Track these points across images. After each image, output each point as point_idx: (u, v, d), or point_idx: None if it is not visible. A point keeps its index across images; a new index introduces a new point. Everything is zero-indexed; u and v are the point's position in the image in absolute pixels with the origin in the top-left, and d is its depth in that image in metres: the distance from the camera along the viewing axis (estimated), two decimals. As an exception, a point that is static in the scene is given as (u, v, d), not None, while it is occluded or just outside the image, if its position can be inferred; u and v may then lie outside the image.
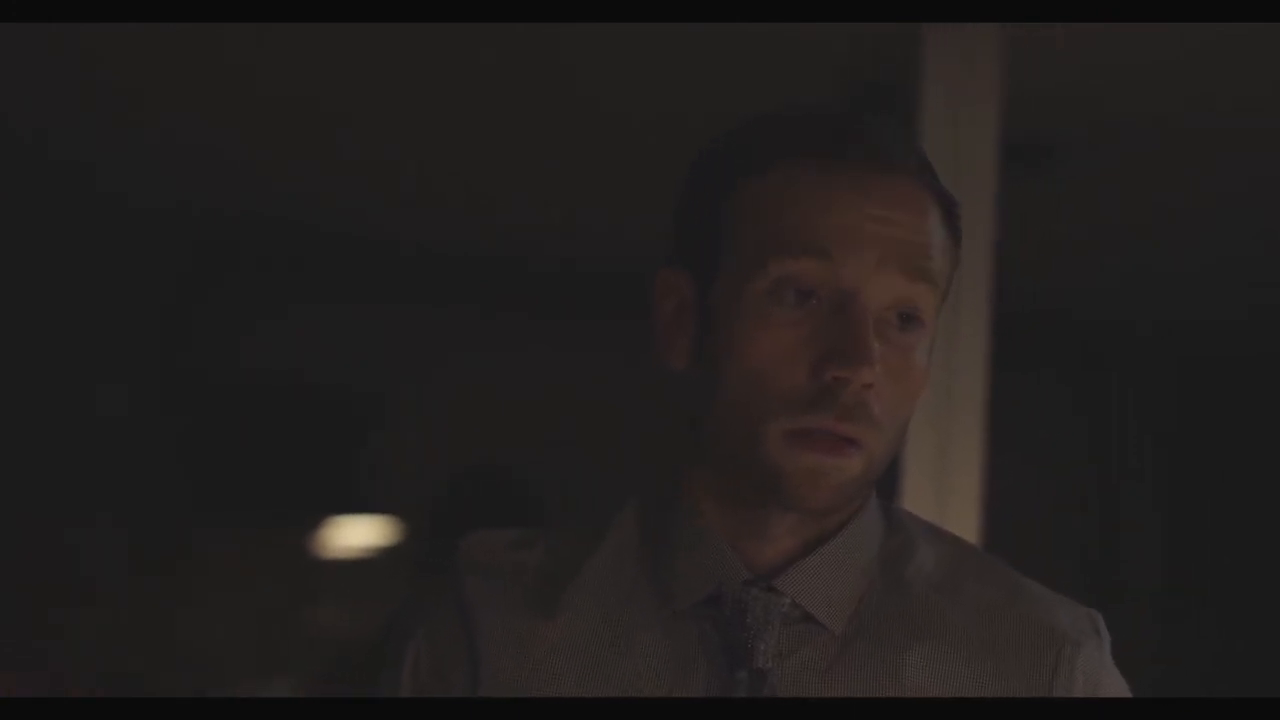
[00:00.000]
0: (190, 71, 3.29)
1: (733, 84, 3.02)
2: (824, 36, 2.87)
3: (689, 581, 1.21)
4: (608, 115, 3.42)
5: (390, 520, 4.65)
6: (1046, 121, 3.29)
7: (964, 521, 2.56)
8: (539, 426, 4.51)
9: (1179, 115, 3.26)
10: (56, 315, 4.34)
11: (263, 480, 4.53)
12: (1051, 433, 5.10)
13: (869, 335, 1.14)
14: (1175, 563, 5.24)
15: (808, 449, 1.15)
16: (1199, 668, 4.94)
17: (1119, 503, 5.28)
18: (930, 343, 1.20)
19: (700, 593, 1.21)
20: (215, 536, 4.52)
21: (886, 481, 1.26)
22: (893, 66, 2.80)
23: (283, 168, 3.95)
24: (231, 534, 4.53)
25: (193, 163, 3.91)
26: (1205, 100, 3.18)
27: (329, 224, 4.37)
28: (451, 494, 4.42)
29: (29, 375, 4.30)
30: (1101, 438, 5.28)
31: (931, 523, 1.31)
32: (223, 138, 3.72)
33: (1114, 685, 1.24)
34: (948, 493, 2.59)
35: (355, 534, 4.65)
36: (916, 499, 2.54)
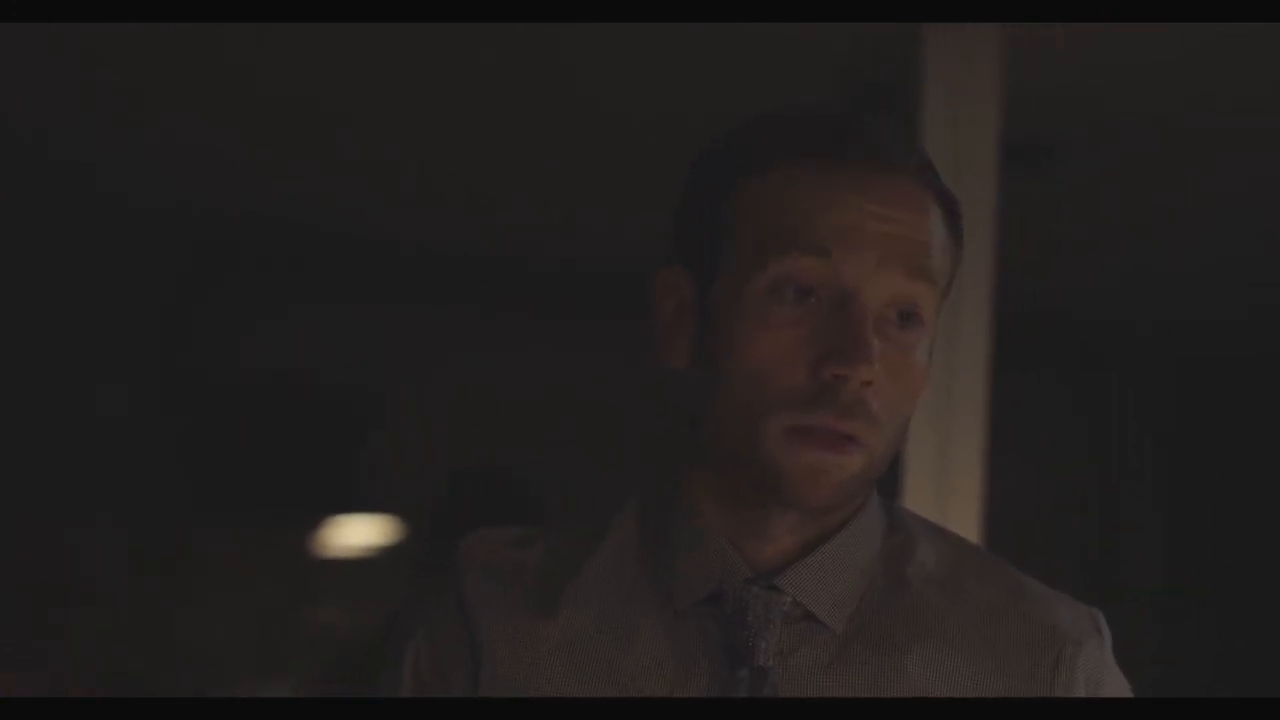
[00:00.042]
0: (190, 71, 3.29)
1: (733, 84, 3.02)
2: (824, 36, 2.88)
3: (690, 580, 1.21)
4: (608, 115, 3.42)
5: (390, 520, 4.66)
6: (1046, 121, 3.29)
7: (965, 521, 2.57)
8: (539, 426, 4.51)
9: (1179, 115, 3.26)
10: (56, 315, 4.34)
11: (263, 480, 4.53)
12: (1051, 433, 5.10)
13: (868, 333, 1.14)
14: (1175, 563, 5.24)
15: (808, 446, 1.15)
16: (1199, 668, 4.94)
17: (1119, 503, 5.28)
18: (931, 341, 1.20)
19: (701, 591, 1.21)
20: (215, 536, 4.52)
21: (887, 481, 1.26)
22: (893, 66, 2.80)
23: (283, 168, 3.95)
24: (231, 534, 4.53)
25: (193, 163, 3.91)
26: (1205, 100, 3.19)
27: (329, 224, 4.37)
28: (451, 494, 4.43)
29: (29, 375, 4.30)
30: (1101, 438, 5.28)
31: (933, 522, 1.32)
32: (223, 138, 3.72)
33: (1115, 684, 1.24)
34: (948, 492, 2.59)
35: (355, 534, 4.65)
36: (917, 499, 2.54)
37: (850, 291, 1.15)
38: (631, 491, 1.31)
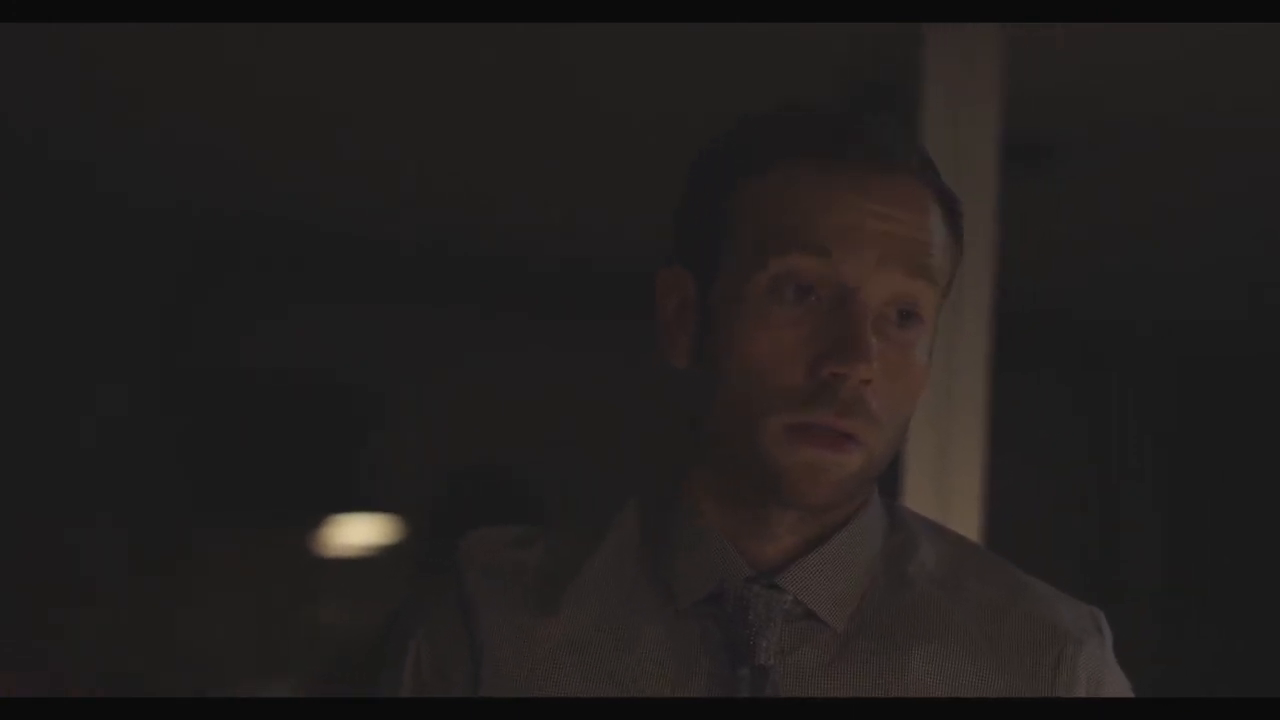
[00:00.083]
0: (190, 71, 3.29)
1: (733, 84, 3.02)
2: (824, 36, 2.88)
3: (690, 580, 1.21)
4: (608, 115, 3.42)
5: (390, 520, 4.66)
6: (1046, 121, 3.29)
7: (965, 521, 2.57)
8: (539, 426, 4.51)
9: (1179, 115, 3.26)
10: (56, 315, 4.34)
11: (263, 480, 4.53)
12: (1051, 433, 5.10)
13: (867, 332, 1.14)
14: (1175, 563, 5.24)
15: (807, 444, 1.15)
16: (1199, 668, 4.94)
17: (1119, 503, 5.28)
18: (930, 341, 1.20)
19: (702, 590, 1.21)
20: (215, 536, 4.52)
21: (888, 480, 1.26)
22: (893, 66, 2.80)
23: (283, 168, 3.95)
24: (232, 534, 4.53)
25: (193, 163, 3.91)
26: (1205, 100, 3.19)
27: (329, 224, 4.37)
28: (451, 493, 4.43)
29: (29, 375, 4.30)
30: (1101, 438, 5.28)
31: (934, 520, 1.32)
32: (223, 138, 3.72)
33: (1116, 683, 1.24)
34: (949, 492, 2.59)
35: (356, 533, 4.65)
36: (918, 498, 2.54)
37: (850, 290, 1.15)
38: (631, 491, 1.31)
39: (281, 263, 4.54)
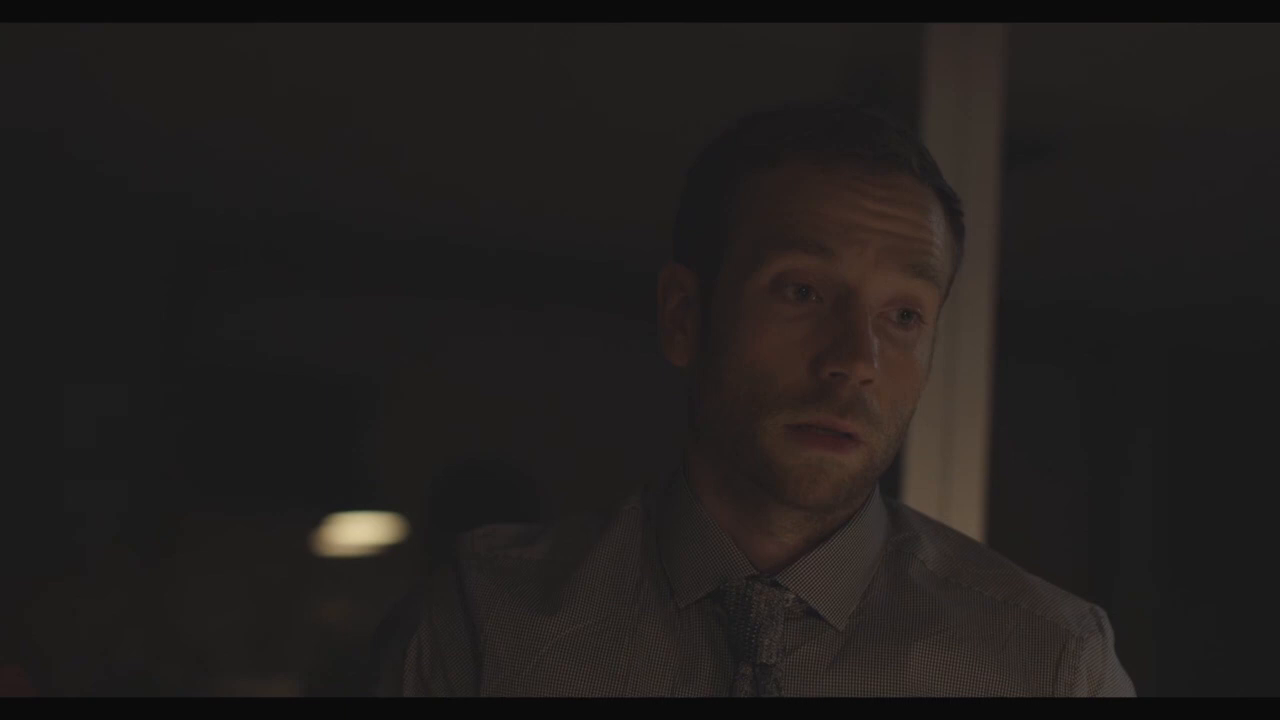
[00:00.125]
0: (191, 70, 3.29)
1: (733, 83, 3.02)
2: (824, 36, 2.87)
3: (692, 577, 1.21)
4: (608, 113, 3.42)
5: (390, 517, 4.65)
6: (1047, 120, 3.29)
7: (966, 520, 2.56)
8: (539, 424, 4.51)
9: (1179, 115, 3.26)
10: (56, 314, 4.34)
11: (262, 475, 4.53)
12: (1052, 430, 5.10)
13: (867, 331, 1.14)
14: (1175, 563, 5.24)
15: (807, 443, 1.15)
16: (1199, 668, 4.94)
17: (1118, 501, 5.28)
18: (931, 340, 1.20)
19: (704, 588, 1.21)
20: (214, 531, 4.52)
21: (889, 479, 1.26)
22: (894, 66, 2.80)
23: (282, 162, 3.95)
24: (230, 531, 4.52)
25: (190, 156, 3.91)
26: (1205, 100, 3.18)
27: (329, 217, 4.37)
28: (451, 491, 4.43)
29: (29, 375, 4.29)
30: (1101, 436, 5.28)
31: (935, 519, 1.32)
32: (223, 134, 3.72)
33: (1117, 681, 1.24)
34: (950, 492, 2.59)
35: (355, 531, 4.64)
36: (919, 498, 2.54)
37: (850, 289, 1.15)
38: (632, 489, 1.31)
39: (280, 256, 4.54)
